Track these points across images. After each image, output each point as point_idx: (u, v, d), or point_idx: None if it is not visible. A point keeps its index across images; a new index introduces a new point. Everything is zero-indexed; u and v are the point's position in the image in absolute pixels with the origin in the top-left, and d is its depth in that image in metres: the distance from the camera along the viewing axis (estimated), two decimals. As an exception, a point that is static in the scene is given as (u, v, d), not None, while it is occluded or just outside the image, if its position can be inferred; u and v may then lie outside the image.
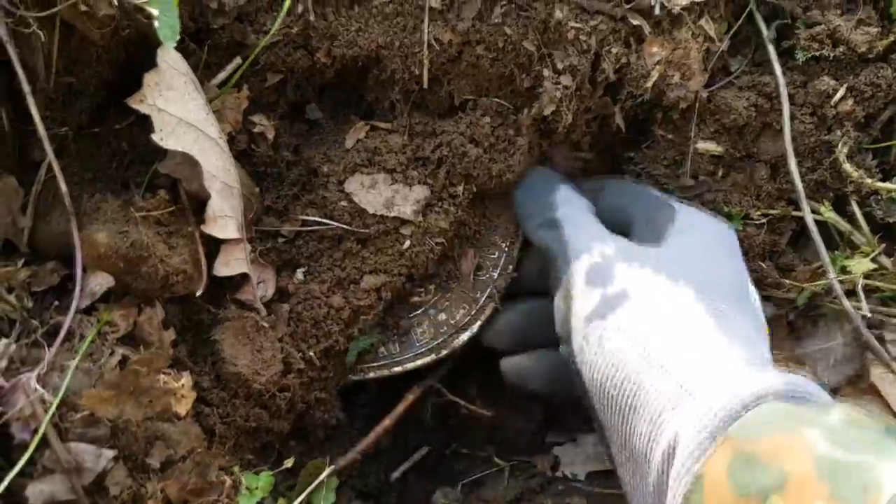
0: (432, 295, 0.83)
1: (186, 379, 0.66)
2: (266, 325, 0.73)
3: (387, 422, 0.83)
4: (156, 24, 0.60)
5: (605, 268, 0.71)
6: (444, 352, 0.83)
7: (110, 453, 0.60)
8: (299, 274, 0.78)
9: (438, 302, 0.83)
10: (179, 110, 0.66)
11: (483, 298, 0.83)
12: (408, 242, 0.78)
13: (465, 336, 0.83)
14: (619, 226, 0.78)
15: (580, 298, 0.71)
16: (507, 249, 0.84)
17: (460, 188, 0.79)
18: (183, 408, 0.64)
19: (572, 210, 0.77)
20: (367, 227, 0.77)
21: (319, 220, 0.77)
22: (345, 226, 0.77)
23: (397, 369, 0.83)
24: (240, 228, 0.71)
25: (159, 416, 0.63)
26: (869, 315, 0.75)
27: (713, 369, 0.61)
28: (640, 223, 0.77)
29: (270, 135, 0.77)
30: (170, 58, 0.66)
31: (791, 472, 0.50)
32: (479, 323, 0.83)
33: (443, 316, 0.83)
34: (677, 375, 0.61)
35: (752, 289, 0.74)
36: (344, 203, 0.77)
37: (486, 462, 0.94)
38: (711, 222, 0.77)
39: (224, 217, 0.69)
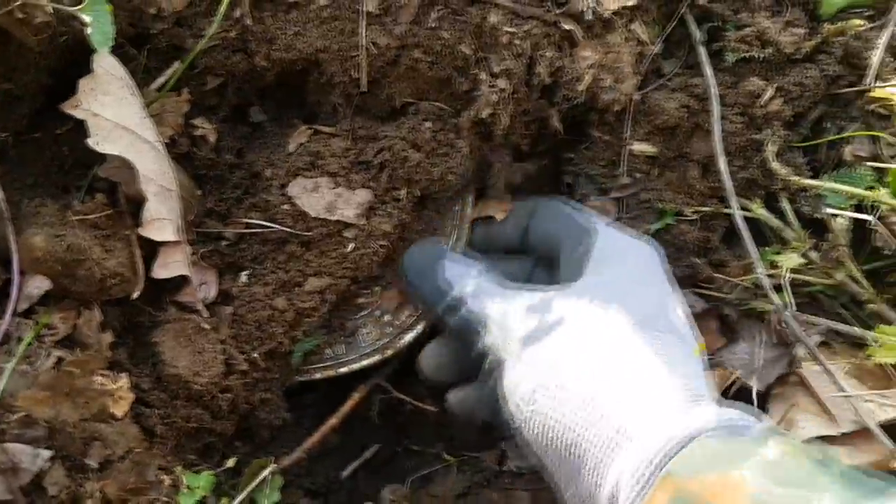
0: (377, 297, 0.84)
1: (124, 381, 0.66)
2: (207, 326, 0.74)
3: (333, 420, 0.84)
4: (88, 30, 0.61)
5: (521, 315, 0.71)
6: (389, 352, 0.84)
7: (47, 453, 0.61)
8: (243, 277, 0.79)
9: (383, 303, 0.85)
10: (115, 115, 0.67)
11: None
12: (351, 245, 0.79)
13: (409, 336, 0.84)
14: (547, 251, 0.79)
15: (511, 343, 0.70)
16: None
17: (403, 192, 0.80)
18: (120, 409, 0.65)
19: (468, 279, 0.76)
20: (310, 230, 0.78)
21: (262, 223, 0.78)
22: (287, 229, 0.78)
23: (343, 370, 0.84)
24: (178, 231, 0.72)
25: (96, 416, 0.64)
26: (795, 309, 0.77)
27: (650, 408, 0.62)
28: (567, 250, 0.77)
29: (212, 138, 0.78)
30: (105, 63, 0.67)
31: None
32: (423, 323, 0.84)
33: (388, 317, 0.84)
34: (616, 420, 0.61)
35: (682, 308, 0.72)
36: (286, 206, 0.78)
37: (437, 458, 0.95)
38: (633, 246, 0.76)
39: (161, 220, 0.70)
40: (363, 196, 0.79)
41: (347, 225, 0.78)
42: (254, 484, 0.73)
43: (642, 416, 0.61)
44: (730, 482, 0.52)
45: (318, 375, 0.84)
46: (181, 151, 0.77)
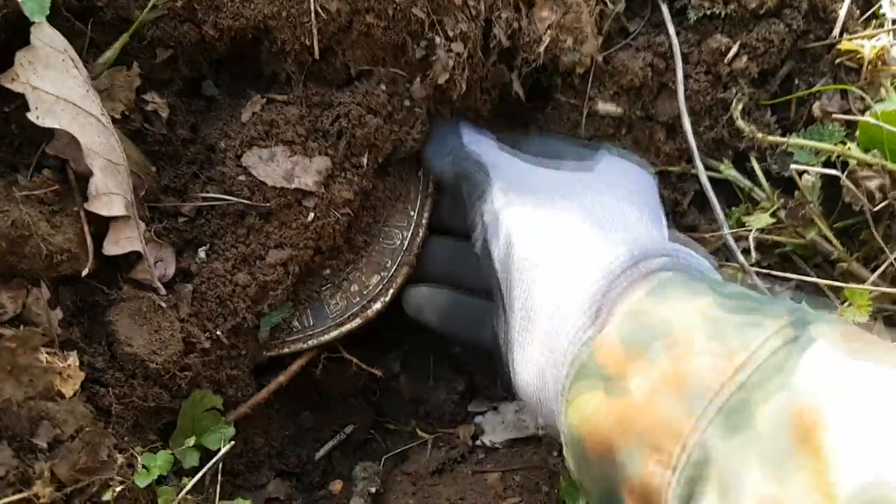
0: (342, 266, 0.83)
1: (73, 359, 0.65)
2: (164, 304, 0.73)
3: (281, 378, 0.83)
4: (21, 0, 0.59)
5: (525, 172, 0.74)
6: (358, 321, 0.83)
7: (-9, 434, 0.59)
8: (201, 253, 0.78)
9: (350, 273, 0.83)
10: (56, 88, 0.65)
11: (394, 267, 0.83)
12: (312, 215, 0.77)
13: (377, 305, 0.83)
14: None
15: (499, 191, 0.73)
16: (414, 216, 0.84)
17: (364, 158, 0.78)
18: (69, 387, 0.64)
19: (480, 139, 0.79)
20: (268, 200, 0.76)
21: (219, 196, 0.77)
22: (245, 201, 0.76)
23: (312, 342, 0.83)
24: (128, 206, 0.70)
25: (42, 395, 0.62)
26: (761, 269, 0.75)
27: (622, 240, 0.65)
28: (569, 160, 0.77)
29: (164, 113, 0.76)
30: (45, 35, 0.65)
31: (678, 323, 0.54)
32: (391, 291, 0.83)
33: (355, 287, 0.83)
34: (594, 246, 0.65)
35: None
36: (242, 178, 0.76)
37: (412, 436, 0.95)
38: (635, 168, 0.78)
39: (109, 194, 0.68)
40: (321, 163, 0.77)
41: (306, 193, 0.77)
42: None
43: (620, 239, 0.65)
44: (685, 307, 0.56)
45: (286, 350, 0.82)
46: (133, 128, 0.75)
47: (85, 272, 0.68)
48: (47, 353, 0.63)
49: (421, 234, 0.84)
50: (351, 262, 0.83)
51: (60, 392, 0.63)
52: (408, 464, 0.91)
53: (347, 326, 0.83)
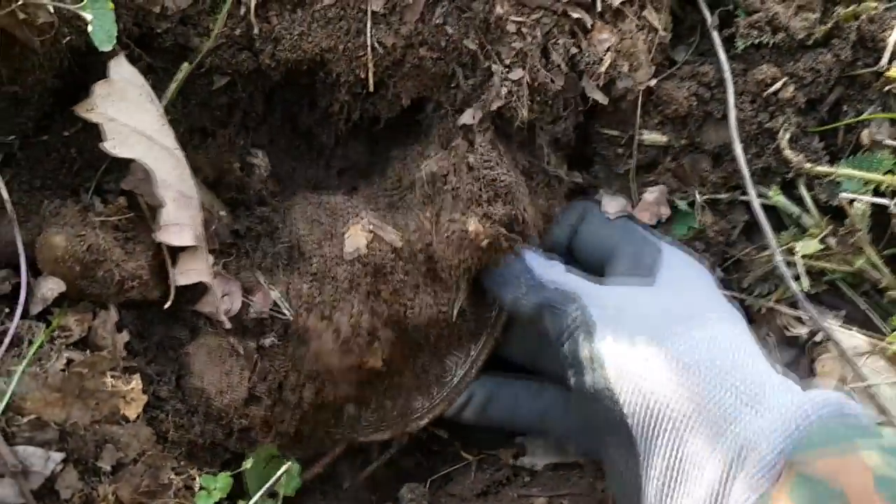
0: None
1: (136, 382, 0.66)
2: (241, 351, 0.74)
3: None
4: (90, 29, 0.60)
5: (624, 307, 0.71)
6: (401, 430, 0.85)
7: (58, 456, 0.61)
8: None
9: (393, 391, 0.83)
10: (132, 120, 0.67)
11: (437, 401, 0.84)
12: None
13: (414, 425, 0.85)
14: (597, 256, 0.79)
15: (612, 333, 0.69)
16: (474, 355, 0.84)
17: None
18: (132, 410, 0.65)
19: (551, 266, 0.77)
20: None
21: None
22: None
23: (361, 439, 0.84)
24: (198, 238, 0.71)
25: (107, 418, 0.63)
26: (809, 291, 0.76)
27: (770, 387, 0.62)
28: (625, 257, 0.77)
29: (265, 172, 0.81)
30: (123, 70, 0.67)
31: (852, 488, 0.52)
32: (425, 420, 0.85)
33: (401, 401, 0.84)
34: (742, 392, 0.62)
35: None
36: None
37: (456, 457, 0.95)
38: (692, 261, 0.78)
39: (179, 225, 0.69)
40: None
41: None
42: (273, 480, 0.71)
43: (768, 392, 0.61)
44: (852, 463, 0.53)
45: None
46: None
47: (168, 304, 0.69)
48: (112, 376, 0.64)
49: (474, 373, 0.84)
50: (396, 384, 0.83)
51: (125, 416, 0.64)
52: (452, 485, 0.91)
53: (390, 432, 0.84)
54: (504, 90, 0.75)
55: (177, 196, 0.70)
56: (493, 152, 0.76)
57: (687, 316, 0.69)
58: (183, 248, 0.72)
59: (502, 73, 0.76)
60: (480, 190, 0.74)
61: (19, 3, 0.59)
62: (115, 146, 0.66)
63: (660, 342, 0.66)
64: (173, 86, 0.74)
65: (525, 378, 0.85)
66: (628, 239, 0.79)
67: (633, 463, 0.65)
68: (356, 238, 0.73)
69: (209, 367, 0.72)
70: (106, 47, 0.63)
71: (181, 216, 0.71)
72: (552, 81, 0.77)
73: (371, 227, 0.74)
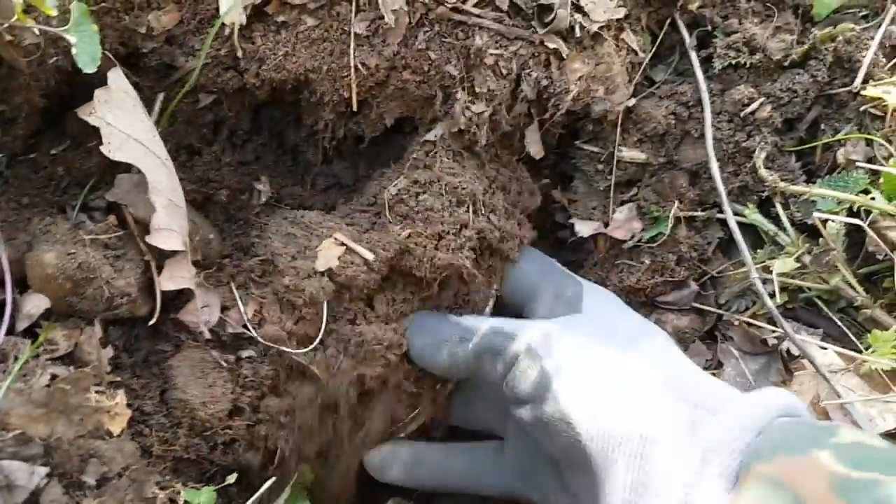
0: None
1: (121, 396, 0.67)
2: (223, 364, 0.74)
3: None
4: (74, 51, 0.62)
5: (562, 336, 0.72)
6: None
7: (43, 471, 0.61)
8: None
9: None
10: (127, 127, 0.68)
11: None
12: None
13: None
14: (517, 300, 0.81)
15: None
16: None
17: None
18: (116, 425, 0.65)
19: (481, 318, 0.78)
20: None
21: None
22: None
23: None
24: (185, 244, 0.71)
25: (92, 433, 0.64)
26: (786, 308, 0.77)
27: (722, 396, 0.65)
28: (547, 295, 0.78)
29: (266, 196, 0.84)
30: (119, 79, 0.69)
31: (807, 489, 0.54)
32: None
33: None
34: (697, 404, 0.64)
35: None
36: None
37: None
38: (607, 291, 0.82)
39: (169, 230, 0.70)
40: None
41: None
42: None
43: (722, 398, 0.64)
44: (808, 464, 0.55)
45: None
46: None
47: (153, 321, 0.70)
48: (96, 391, 0.65)
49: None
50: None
51: (109, 430, 0.65)
52: (438, 499, 0.92)
53: None
54: (463, 119, 0.77)
55: (167, 203, 0.71)
56: (454, 163, 0.77)
57: (626, 338, 0.71)
58: (170, 255, 0.73)
59: (465, 101, 0.77)
60: (444, 196, 0.76)
61: (5, 25, 0.60)
62: (111, 150, 0.67)
63: (607, 364, 0.68)
64: (169, 106, 0.76)
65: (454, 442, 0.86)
66: (548, 278, 0.80)
67: (591, 486, 0.66)
68: (328, 252, 0.74)
69: (192, 380, 0.73)
70: (90, 69, 0.64)
71: (171, 222, 0.72)
72: (511, 119, 0.80)
73: (343, 242, 0.75)
